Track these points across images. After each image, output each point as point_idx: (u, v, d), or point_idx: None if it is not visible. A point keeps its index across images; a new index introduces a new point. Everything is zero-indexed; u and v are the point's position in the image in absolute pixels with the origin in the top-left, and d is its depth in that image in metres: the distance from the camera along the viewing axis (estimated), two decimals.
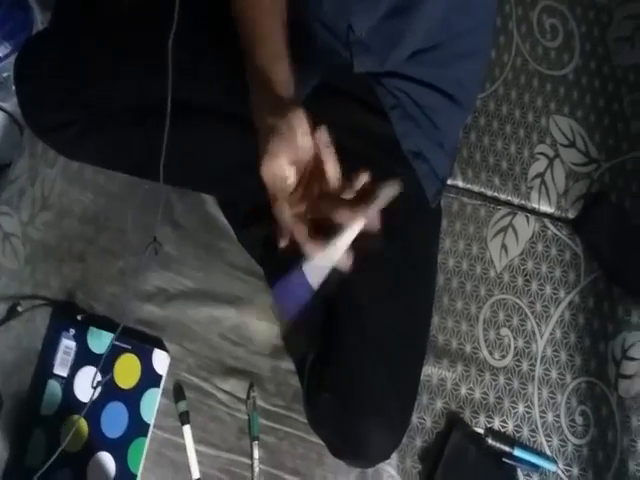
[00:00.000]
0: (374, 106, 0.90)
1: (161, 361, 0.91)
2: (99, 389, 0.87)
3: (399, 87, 0.89)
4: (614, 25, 1.25)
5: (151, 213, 0.97)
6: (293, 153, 0.64)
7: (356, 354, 0.83)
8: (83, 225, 0.97)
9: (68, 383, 0.87)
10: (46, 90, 0.86)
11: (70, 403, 0.86)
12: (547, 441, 1.00)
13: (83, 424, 0.86)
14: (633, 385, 1.03)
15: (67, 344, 0.89)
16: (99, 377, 0.86)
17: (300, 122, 0.64)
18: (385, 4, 0.81)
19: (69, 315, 0.91)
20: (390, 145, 0.90)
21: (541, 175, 1.14)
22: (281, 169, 0.64)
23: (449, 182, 1.10)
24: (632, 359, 1.05)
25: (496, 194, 1.13)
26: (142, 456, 0.87)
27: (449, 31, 0.86)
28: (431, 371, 1.00)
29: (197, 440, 0.90)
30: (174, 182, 0.92)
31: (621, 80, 1.22)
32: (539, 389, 1.02)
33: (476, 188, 1.12)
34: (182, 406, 0.91)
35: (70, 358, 0.88)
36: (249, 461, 0.91)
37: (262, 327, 0.97)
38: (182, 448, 0.90)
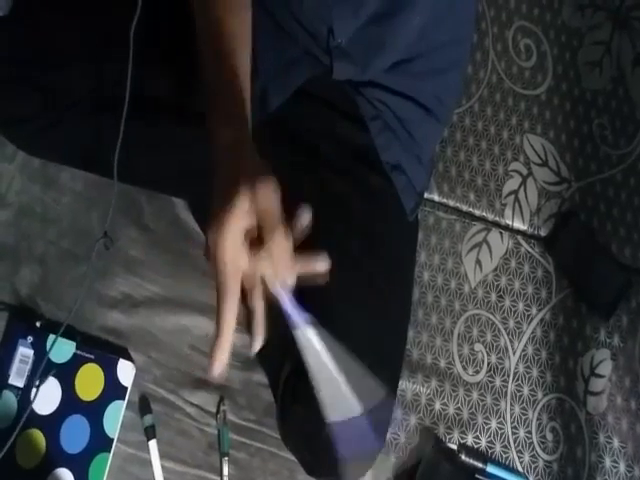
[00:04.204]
0: (354, 116, 0.88)
1: (126, 372, 0.87)
2: (58, 400, 0.82)
3: (379, 98, 0.88)
4: (584, 50, 1.29)
5: (118, 215, 0.93)
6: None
7: None
8: (44, 226, 0.92)
9: (25, 394, 0.82)
10: (3, 76, 0.81)
11: (26, 416, 0.80)
12: (519, 457, 1.00)
13: (40, 438, 0.81)
14: (601, 402, 1.05)
15: (24, 352, 0.83)
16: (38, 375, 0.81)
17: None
18: (367, 10, 0.80)
19: (27, 321, 0.85)
20: (368, 156, 0.89)
21: (515, 192, 1.15)
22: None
23: (425, 196, 1.09)
24: (600, 376, 1.07)
25: (471, 209, 1.13)
26: (104, 473, 0.83)
27: (428, 44, 0.86)
28: (405, 386, 0.99)
29: (163, 456, 0.87)
30: (131, 180, 0.89)
31: (590, 104, 1.25)
32: (511, 405, 1.02)
33: (451, 203, 1.12)
34: (148, 420, 0.87)
35: (27, 367, 0.83)
36: (218, 478, 0.89)
37: (233, 338, 0.94)
38: (147, 464, 0.86)
